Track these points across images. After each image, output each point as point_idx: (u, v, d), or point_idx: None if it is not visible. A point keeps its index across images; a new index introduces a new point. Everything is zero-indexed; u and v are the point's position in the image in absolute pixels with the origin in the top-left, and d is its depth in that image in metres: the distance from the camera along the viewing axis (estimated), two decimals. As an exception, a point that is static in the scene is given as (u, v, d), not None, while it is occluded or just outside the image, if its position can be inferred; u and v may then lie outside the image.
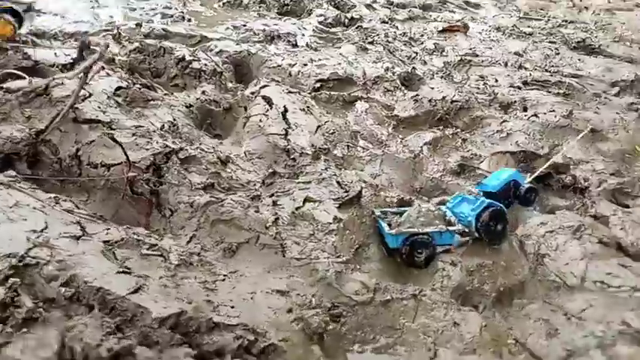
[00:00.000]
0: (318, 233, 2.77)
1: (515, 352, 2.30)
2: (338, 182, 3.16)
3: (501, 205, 2.96)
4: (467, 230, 2.90)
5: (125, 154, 2.94)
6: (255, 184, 3.23)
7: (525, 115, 4.78)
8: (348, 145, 3.84)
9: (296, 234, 2.77)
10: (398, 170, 3.77)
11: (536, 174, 3.63)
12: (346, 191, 3.09)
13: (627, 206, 3.82)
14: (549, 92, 5.48)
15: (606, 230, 3.31)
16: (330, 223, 2.82)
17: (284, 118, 3.85)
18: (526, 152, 3.93)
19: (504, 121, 4.75)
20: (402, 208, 3.03)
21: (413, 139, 4.11)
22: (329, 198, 3.02)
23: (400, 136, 4.20)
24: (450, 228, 2.86)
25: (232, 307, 2.21)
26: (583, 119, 4.79)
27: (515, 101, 5.12)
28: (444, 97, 4.84)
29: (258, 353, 2.04)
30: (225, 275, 2.51)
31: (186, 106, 4.13)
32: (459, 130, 4.51)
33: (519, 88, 5.52)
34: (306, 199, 2.95)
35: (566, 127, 4.65)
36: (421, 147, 3.98)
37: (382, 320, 2.46)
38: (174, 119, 3.79)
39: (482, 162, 3.91)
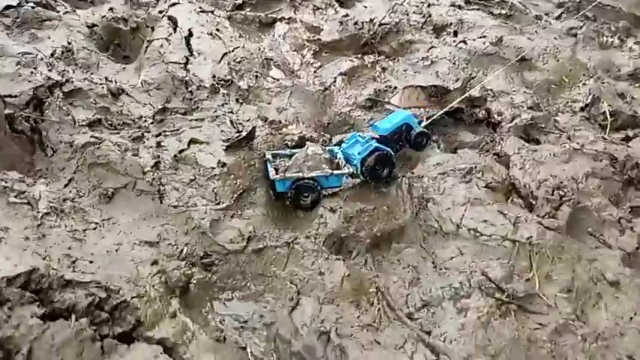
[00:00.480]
0: (199, 178, 2.74)
1: (374, 302, 2.39)
2: (231, 121, 3.06)
3: (388, 149, 2.92)
4: (355, 173, 2.88)
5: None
6: (145, 121, 3.11)
7: (454, 41, 4.62)
8: (256, 76, 3.69)
9: (176, 179, 2.73)
10: (307, 104, 3.66)
11: (433, 117, 3.54)
12: (238, 131, 3.01)
13: (538, 142, 3.84)
14: (490, 13, 5.27)
15: (504, 171, 3.35)
16: (214, 168, 2.77)
17: (187, 43, 3.64)
18: (437, 87, 3.81)
19: (432, 47, 4.59)
20: (294, 150, 2.97)
21: (328, 69, 3.96)
22: (219, 139, 2.95)
23: (317, 65, 4.03)
24: (336, 172, 2.83)
25: (91, 262, 2.21)
26: (514, 46, 4.66)
27: (450, 23, 4.92)
28: (372, 19, 4.62)
29: (111, 310, 2.07)
30: (97, 223, 2.49)
31: (88, 27, 3.85)
32: (381, 57, 4.35)
33: (460, 7, 5.27)
34: (192, 141, 2.86)
35: (494, 55, 4.53)
36: (335, 77, 3.85)
37: (254, 268, 2.51)
38: (70, 43, 3.54)
39: (393, 96, 3.81)
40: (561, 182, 3.16)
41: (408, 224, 2.82)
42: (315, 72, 3.86)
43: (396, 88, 3.97)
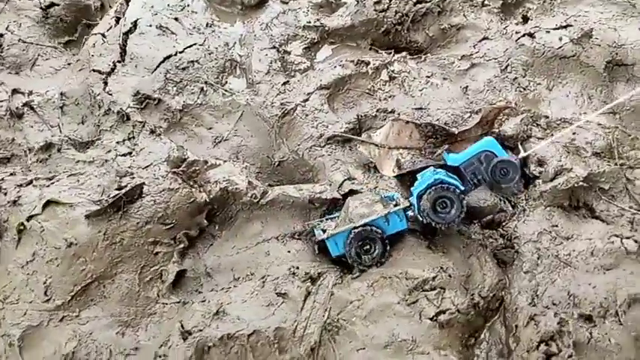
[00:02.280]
0: (36, 261, 2.13)
1: None
2: (117, 171, 2.35)
3: (456, 183, 2.22)
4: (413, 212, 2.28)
5: None
6: (33, 156, 2.54)
7: (517, 32, 3.23)
8: (202, 88, 2.86)
9: (11, 259, 2.15)
10: (257, 133, 2.79)
11: (531, 151, 2.56)
12: (119, 187, 2.30)
13: (591, 212, 2.58)
14: None
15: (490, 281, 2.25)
16: (57, 248, 2.14)
17: (123, 43, 2.91)
18: (434, 128, 2.63)
19: (485, 38, 3.28)
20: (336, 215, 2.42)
21: (304, 80, 2.96)
22: (88, 199, 2.28)
23: (298, 69, 3.05)
24: (392, 209, 2.24)
25: None
26: (610, 44, 3.15)
27: None
28: (404, -6, 3.39)
29: None
30: None
31: (43, 8, 3.29)
32: (403, 55, 3.19)
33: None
34: (50, 202, 2.24)
35: (571, 58, 3.10)
36: (308, 95, 2.86)
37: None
38: (2, 35, 3.03)
39: (379, 129, 2.74)
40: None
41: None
42: (283, 84, 2.89)
43: (393, 112, 2.86)
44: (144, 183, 2.33)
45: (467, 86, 2.96)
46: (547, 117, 2.87)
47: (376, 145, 2.64)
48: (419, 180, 2.35)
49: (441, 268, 2.13)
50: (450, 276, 2.11)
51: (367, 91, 2.96)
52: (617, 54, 3.12)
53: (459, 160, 2.40)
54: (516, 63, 3.11)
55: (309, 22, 3.27)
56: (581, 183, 2.55)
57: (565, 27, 3.20)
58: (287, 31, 3.20)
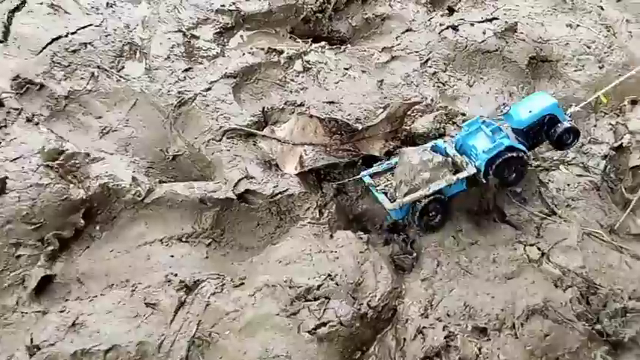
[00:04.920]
0: None
1: None
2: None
3: (524, 149, 2.22)
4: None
5: None
6: None
7: (441, 24, 3.07)
8: (93, 74, 2.60)
9: None
10: (151, 124, 2.55)
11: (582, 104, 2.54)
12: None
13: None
14: None
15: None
16: None
17: (8, 22, 2.63)
18: (338, 123, 2.46)
19: (409, 29, 3.12)
20: (391, 162, 2.37)
21: (210, 67, 2.74)
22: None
23: (204, 56, 2.82)
24: (460, 176, 2.20)
25: None
26: (535, 39, 3.04)
27: None
28: (327, -20, 3.19)
29: None
30: None
31: None
32: (322, 44, 3.00)
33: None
34: None
35: (494, 53, 2.97)
36: (211, 83, 2.64)
37: None
38: None
39: (284, 123, 2.55)
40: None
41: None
42: (185, 71, 2.67)
43: (303, 104, 2.67)
44: (7, 177, 2.08)
45: (382, 80, 2.79)
46: (464, 114, 2.73)
47: (279, 141, 2.44)
48: (467, 132, 2.28)
49: (329, 275, 1.97)
50: (337, 284, 1.94)
51: (278, 81, 2.76)
52: (541, 50, 3.01)
53: (524, 123, 2.28)
54: (437, 57, 2.97)
55: (224, 6, 3.04)
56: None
57: (490, 20, 3.07)
58: (197, 14, 2.96)
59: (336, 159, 2.37)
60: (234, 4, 3.08)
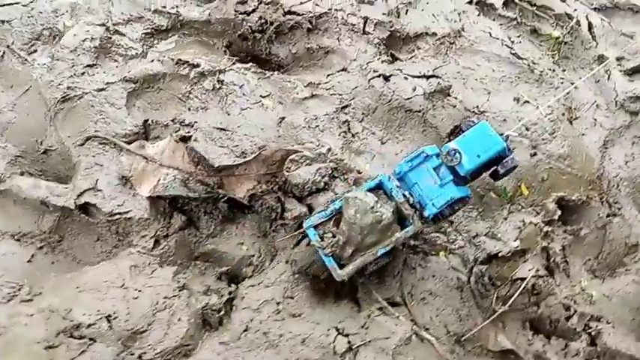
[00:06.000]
0: None
1: None
2: None
3: (469, 193, 2.12)
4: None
5: None
6: None
7: (378, 73, 2.89)
8: (4, 52, 2.62)
9: None
10: (35, 112, 2.54)
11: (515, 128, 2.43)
12: None
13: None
14: (528, 31, 3.35)
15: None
16: None
17: None
18: (200, 159, 2.34)
19: (343, 70, 2.96)
20: (335, 206, 2.12)
21: (119, 67, 2.69)
22: None
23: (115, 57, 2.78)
24: (408, 233, 2.06)
25: None
26: (471, 108, 2.81)
27: (432, 33, 3.17)
28: (275, 1, 3.07)
29: None
30: None
31: None
32: (250, 65, 2.89)
33: (468, 12, 3.35)
34: None
35: (415, 113, 2.76)
36: (107, 84, 2.60)
37: None
38: None
39: (161, 141, 2.46)
40: None
41: None
42: (87, 66, 2.63)
43: (191, 126, 2.58)
44: None
45: (284, 118, 2.64)
46: (359, 173, 2.55)
47: (144, 158, 2.36)
48: (412, 166, 2.12)
49: (108, 316, 1.88)
50: (111, 327, 1.85)
51: (180, 96, 2.68)
52: (472, 122, 2.75)
53: (470, 170, 2.08)
54: (358, 105, 2.79)
55: (164, 7, 2.98)
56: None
57: (427, 77, 2.84)
58: (132, 10, 2.91)
59: (188, 192, 2.25)
60: (176, 7, 3.01)
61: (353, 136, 2.69)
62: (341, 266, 1.99)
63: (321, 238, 2.07)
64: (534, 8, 3.49)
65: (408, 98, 2.76)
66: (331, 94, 2.82)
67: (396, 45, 3.18)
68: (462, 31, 3.22)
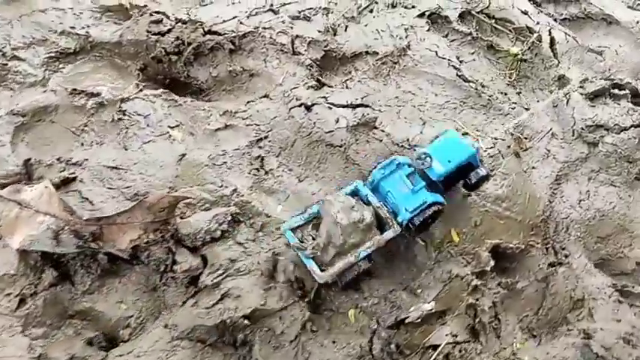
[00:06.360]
0: None
1: None
2: None
3: (443, 200, 2.08)
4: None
5: None
6: None
7: (299, 101, 2.61)
8: None
9: None
10: None
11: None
12: None
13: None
14: (485, 47, 3.08)
15: None
16: None
17: None
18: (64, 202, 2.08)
19: (265, 96, 2.68)
20: (313, 210, 2.10)
21: (10, 98, 2.45)
22: None
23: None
24: (387, 237, 2.03)
25: None
26: (400, 142, 2.52)
27: (373, 52, 2.92)
28: (191, 19, 2.81)
29: None
30: None
31: None
32: (160, 92, 2.63)
33: (416, 27, 3.05)
34: None
35: (323, 145, 2.48)
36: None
37: None
38: None
39: (35, 185, 2.21)
40: None
41: None
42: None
43: (79, 165, 2.33)
44: None
45: (184, 155, 2.37)
46: (268, 216, 2.27)
47: (19, 204, 2.11)
48: (385, 174, 2.09)
49: None
50: None
51: (74, 129, 2.43)
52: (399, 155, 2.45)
53: (441, 176, 2.11)
54: (277, 137, 2.51)
55: (73, 27, 2.73)
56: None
57: (354, 107, 2.54)
58: (34, 33, 2.67)
59: (56, 247, 2.00)
60: (86, 27, 2.76)
61: (266, 173, 2.41)
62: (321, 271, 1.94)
63: (301, 241, 2.02)
64: (493, 21, 3.16)
65: (330, 131, 2.47)
66: (247, 125, 2.54)
67: (331, 66, 2.89)
68: (407, 49, 2.91)
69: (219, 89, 2.80)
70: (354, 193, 2.15)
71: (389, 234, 2.03)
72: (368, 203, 2.10)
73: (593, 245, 2.44)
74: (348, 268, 1.99)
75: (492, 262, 2.25)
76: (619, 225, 2.47)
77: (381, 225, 2.08)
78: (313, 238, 2.05)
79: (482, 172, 2.17)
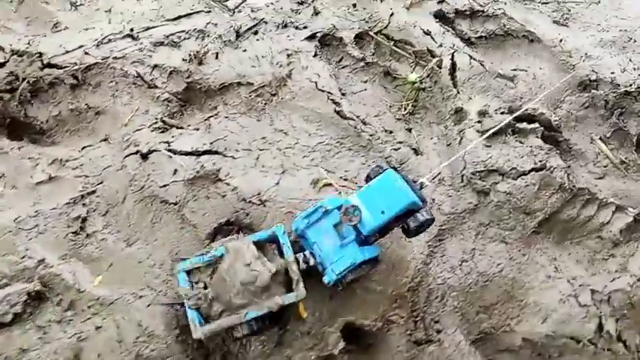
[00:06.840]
0: None
1: None
2: None
3: (377, 254, 1.84)
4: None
5: None
6: None
7: (138, 144, 2.25)
8: None
9: None
10: None
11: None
12: None
13: None
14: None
15: None
16: None
17: None
18: None
19: (105, 139, 2.32)
20: (217, 252, 1.80)
21: None
22: None
23: None
24: (286, 301, 1.74)
25: None
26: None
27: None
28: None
29: None
30: None
31: None
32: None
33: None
34: None
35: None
36: None
37: None
38: None
39: None
40: None
41: None
42: None
43: None
44: None
45: (-10, 216, 2.02)
46: (80, 292, 1.92)
47: None
48: (310, 222, 1.81)
49: None
50: None
51: None
52: (247, 214, 2.10)
53: (375, 229, 1.78)
54: (106, 192, 2.16)
55: None
56: None
57: (201, 154, 2.20)
58: None
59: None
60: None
61: (87, 236, 2.06)
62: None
63: (192, 287, 1.74)
64: (392, 43, 2.79)
65: (164, 185, 2.12)
66: (76, 177, 2.19)
67: (197, 100, 2.53)
68: (287, 78, 2.55)
69: (62, 130, 2.45)
70: (271, 240, 1.84)
71: (288, 298, 1.73)
72: (282, 254, 1.80)
73: (473, 317, 2.08)
74: (235, 326, 1.71)
75: (342, 344, 1.89)
76: (506, 292, 2.12)
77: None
78: (205, 287, 1.76)
79: (422, 217, 1.81)
